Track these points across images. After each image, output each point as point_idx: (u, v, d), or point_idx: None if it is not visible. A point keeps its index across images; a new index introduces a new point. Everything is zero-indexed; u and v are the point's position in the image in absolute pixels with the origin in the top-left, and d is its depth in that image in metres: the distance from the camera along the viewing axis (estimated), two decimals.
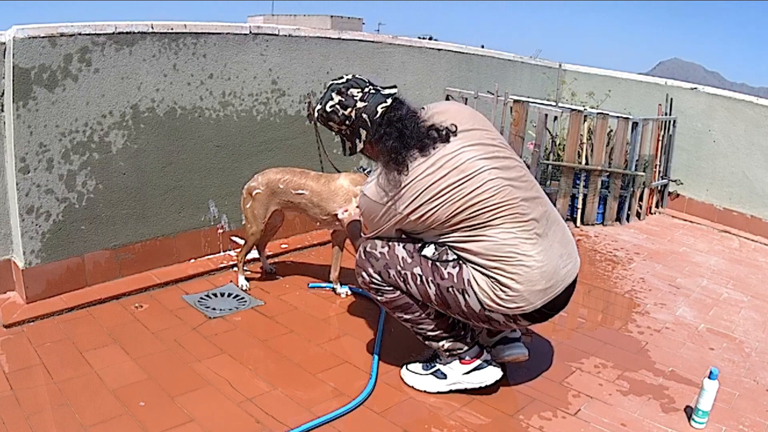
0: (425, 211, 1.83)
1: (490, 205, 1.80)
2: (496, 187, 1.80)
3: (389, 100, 1.92)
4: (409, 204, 1.83)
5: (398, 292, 1.97)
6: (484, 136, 1.90)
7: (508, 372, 2.20)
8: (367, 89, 1.96)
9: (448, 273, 1.89)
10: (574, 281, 1.96)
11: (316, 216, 2.66)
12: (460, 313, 1.93)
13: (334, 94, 1.95)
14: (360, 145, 1.96)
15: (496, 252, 1.82)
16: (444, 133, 1.86)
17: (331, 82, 2.00)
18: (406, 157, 1.84)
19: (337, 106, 1.94)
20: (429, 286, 1.91)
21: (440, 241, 1.91)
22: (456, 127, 1.87)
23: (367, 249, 2.00)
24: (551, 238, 1.90)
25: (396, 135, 1.86)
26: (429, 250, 1.92)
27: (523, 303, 1.84)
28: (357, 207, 2.24)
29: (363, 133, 1.93)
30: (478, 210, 1.80)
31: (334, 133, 2.04)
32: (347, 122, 1.94)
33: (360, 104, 1.92)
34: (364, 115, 1.91)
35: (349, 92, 1.94)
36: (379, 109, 1.90)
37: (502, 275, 1.82)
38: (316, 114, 2.02)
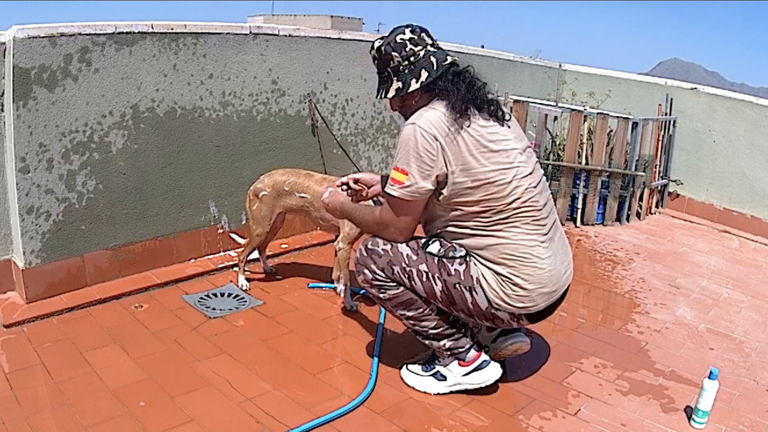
0: (471, 166, 1.80)
1: (517, 205, 1.83)
2: (526, 188, 1.84)
3: (452, 59, 1.93)
4: (461, 153, 1.80)
5: (402, 288, 1.96)
6: (520, 133, 1.97)
7: (508, 372, 2.20)
8: (437, 43, 1.96)
9: (455, 269, 1.89)
10: (567, 289, 2.01)
11: (316, 220, 2.67)
12: (465, 310, 1.93)
13: (407, 31, 1.92)
14: (415, 86, 1.88)
15: (513, 252, 1.84)
16: (501, 114, 1.91)
17: (400, 25, 1.97)
18: (468, 108, 1.84)
19: (408, 42, 1.90)
20: (435, 283, 1.91)
21: (455, 228, 1.90)
22: (510, 116, 1.94)
23: (369, 246, 1.98)
24: (557, 244, 1.95)
25: (465, 87, 1.87)
26: (434, 247, 1.92)
27: (531, 303, 1.87)
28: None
29: (424, 74, 1.88)
30: (507, 202, 1.82)
31: (384, 68, 1.94)
32: (411, 58, 1.89)
33: (431, 48, 1.92)
34: (433, 58, 1.89)
35: (421, 35, 1.93)
36: (449, 59, 1.91)
37: (515, 275, 1.85)
38: (379, 42, 1.94)
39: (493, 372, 2.05)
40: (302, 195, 2.64)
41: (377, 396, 2.06)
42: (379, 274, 1.96)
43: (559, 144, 4.40)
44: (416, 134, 1.80)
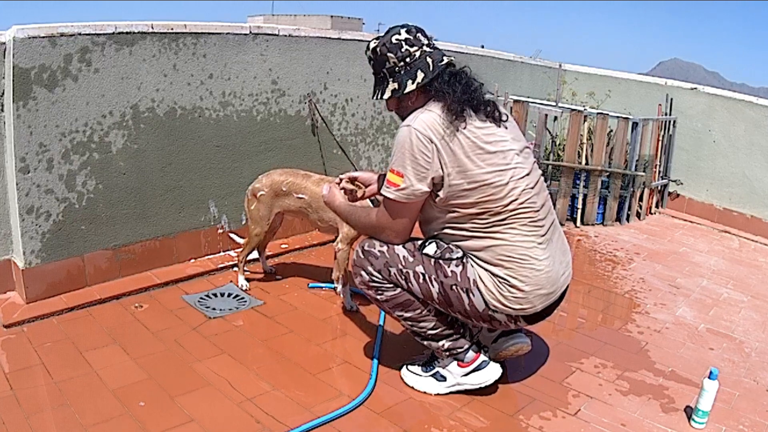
0: (467, 168, 1.78)
1: (514, 206, 1.82)
2: (523, 190, 1.83)
3: (448, 60, 1.91)
4: (457, 155, 1.78)
5: (399, 290, 1.96)
6: (518, 134, 1.95)
7: (508, 372, 2.20)
8: (432, 42, 1.93)
9: (452, 271, 1.89)
10: (566, 290, 2.00)
11: (314, 221, 2.67)
12: (462, 311, 1.93)
13: (403, 31, 1.90)
14: (411, 87, 1.87)
15: (510, 253, 1.84)
16: (498, 115, 1.88)
17: (395, 25, 1.95)
18: (464, 110, 1.82)
19: (404, 42, 1.88)
20: (432, 284, 1.91)
21: (453, 230, 1.89)
22: (507, 117, 1.92)
23: (365, 248, 1.98)
24: (555, 245, 1.94)
25: (461, 88, 1.85)
26: (431, 248, 1.92)
27: (528, 305, 1.87)
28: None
29: (420, 75, 1.86)
30: (504, 204, 1.81)
31: (380, 69, 1.94)
32: (407, 59, 1.88)
33: (427, 49, 1.90)
34: (429, 59, 1.87)
35: (417, 36, 1.91)
36: (445, 59, 1.90)
37: (512, 276, 1.84)
38: (375, 43, 1.93)
39: (492, 372, 2.05)
40: (300, 196, 2.64)
41: (377, 396, 2.06)
42: (375, 276, 1.96)
43: (559, 144, 4.40)
44: (411, 136, 1.80)
